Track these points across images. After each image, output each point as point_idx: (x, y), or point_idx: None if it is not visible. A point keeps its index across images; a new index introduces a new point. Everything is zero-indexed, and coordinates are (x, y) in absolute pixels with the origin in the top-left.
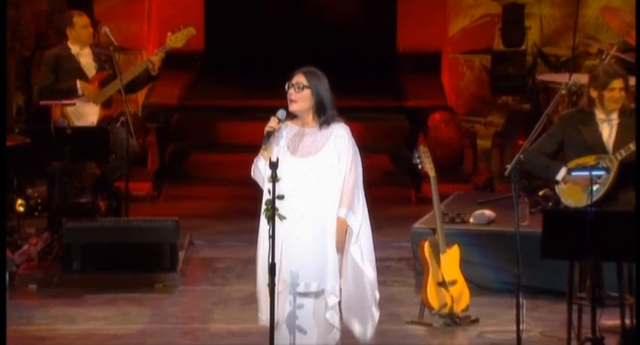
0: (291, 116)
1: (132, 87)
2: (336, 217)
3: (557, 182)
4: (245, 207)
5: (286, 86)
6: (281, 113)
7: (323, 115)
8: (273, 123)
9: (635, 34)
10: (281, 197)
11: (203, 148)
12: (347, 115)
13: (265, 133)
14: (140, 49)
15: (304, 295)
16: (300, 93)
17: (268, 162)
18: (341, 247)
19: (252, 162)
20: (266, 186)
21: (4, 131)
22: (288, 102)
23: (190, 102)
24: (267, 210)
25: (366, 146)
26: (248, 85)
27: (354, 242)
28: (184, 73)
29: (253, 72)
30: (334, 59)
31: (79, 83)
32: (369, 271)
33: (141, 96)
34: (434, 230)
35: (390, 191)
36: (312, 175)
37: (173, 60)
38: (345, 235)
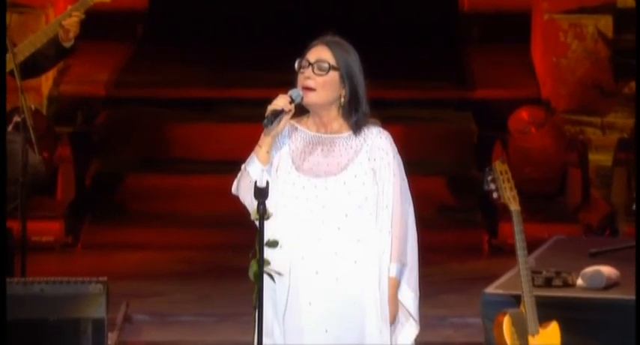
0: (300, 113)
1: (32, 67)
2: (376, 276)
3: None
4: (216, 260)
5: (297, 64)
6: (296, 93)
7: (354, 113)
8: (282, 101)
9: (635, 35)
10: (274, 244)
11: (147, 167)
12: (381, 112)
13: (269, 112)
14: (45, 6)
15: None
16: (324, 76)
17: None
18: (394, 320)
19: (232, 184)
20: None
21: (4, 131)
22: (301, 89)
23: (126, 92)
24: (253, 264)
25: (410, 162)
26: (218, 64)
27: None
28: (117, 45)
29: (226, 43)
30: (359, 24)
31: None
32: None
33: (46, 82)
34: (518, 298)
35: (449, 235)
36: (335, 208)
37: (99, 24)
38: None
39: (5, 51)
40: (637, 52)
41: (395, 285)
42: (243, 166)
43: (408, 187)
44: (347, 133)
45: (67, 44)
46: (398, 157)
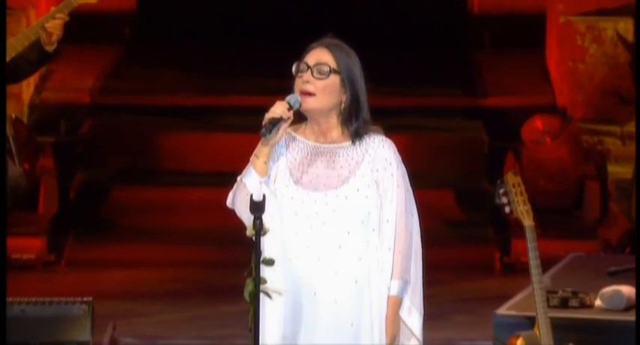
0: (297, 120)
1: (12, 72)
2: (377, 295)
3: None
4: (209, 278)
5: (294, 68)
6: (294, 99)
7: (355, 120)
8: (280, 108)
9: (635, 36)
10: (270, 262)
11: (135, 179)
12: (385, 121)
13: (267, 121)
14: (25, 8)
15: None
16: (324, 80)
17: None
18: (393, 341)
19: (226, 197)
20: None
21: (4, 132)
22: (299, 95)
23: (112, 99)
24: (249, 283)
25: (416, 174)
26: (211, 69)
27: None
28: (102, 49)
29: (220, 47)
30: (360, 26)
31: None
32: None
33: (27, 88)
34: (532, 320)
35: (458, 252)
36: (337, 226)
37: (84, 27)
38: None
39: (5, 52)
40: (637, 52)
41: (395, 304)
42: (239, 178)
43: (413, 199)
44: (347, 143)
45: (50, 48)
46: (402, 167)
